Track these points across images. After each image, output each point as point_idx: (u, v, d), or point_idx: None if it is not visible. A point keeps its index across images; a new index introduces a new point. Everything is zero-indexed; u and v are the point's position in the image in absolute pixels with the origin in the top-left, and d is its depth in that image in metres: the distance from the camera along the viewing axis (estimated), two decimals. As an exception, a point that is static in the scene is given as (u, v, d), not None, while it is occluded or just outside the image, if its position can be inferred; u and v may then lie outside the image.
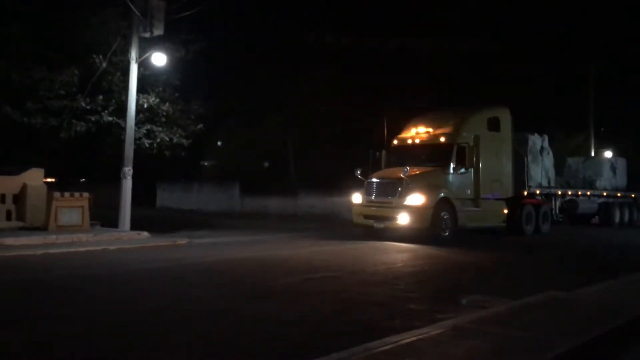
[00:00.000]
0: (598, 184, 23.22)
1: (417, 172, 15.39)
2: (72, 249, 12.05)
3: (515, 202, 17.67)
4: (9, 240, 12.25)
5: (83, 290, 7.61)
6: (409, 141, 16.95)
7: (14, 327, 5.65)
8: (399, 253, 13.02)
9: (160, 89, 18.31)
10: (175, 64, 18.37)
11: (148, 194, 34.30)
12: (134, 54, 15.61)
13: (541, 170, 19.65)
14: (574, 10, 33.22)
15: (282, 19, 29.65)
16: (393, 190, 15.05)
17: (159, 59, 16.37)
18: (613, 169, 24.31)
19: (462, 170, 15.70)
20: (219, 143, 35.73)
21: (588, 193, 22.27)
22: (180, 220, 21.86)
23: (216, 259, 11.12)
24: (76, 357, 4.85)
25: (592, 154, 29.74)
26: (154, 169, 25.57)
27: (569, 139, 32.09)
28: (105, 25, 17.25)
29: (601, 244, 16.95)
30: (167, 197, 34.76)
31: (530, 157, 19.04)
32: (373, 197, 15.60)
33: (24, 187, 14.41)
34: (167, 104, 18.11)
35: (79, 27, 17.08)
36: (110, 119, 16.90)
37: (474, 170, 16.04)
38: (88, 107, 16.68)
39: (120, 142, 16.04)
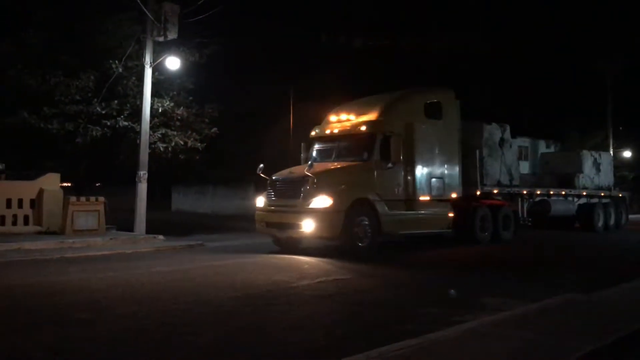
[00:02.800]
0: (577, 182, 20.01)
1: (328, 169, 12.90)
2: (89, 253, 12.13)
3: (464, 204, 14.88)
4: (27, 245, 12.36)
5: (99, 293, 7.64)
6: (328, 131, 14.16)
7: (32, 331, 5.68)
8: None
9: (175, 93, 18.45)
10: (189, 67, 18.48)
11: (163, 198, 34.56)
12: (148, 59, 15.70)
13: (500, 165, 16.78)
14: (590, 9, 32.90)
15: (292, 19, 29.60)
16: (296, 191, 12.34)
17: (173, 63, 16.48)
18: (596, 165, 20.98)
19: (389, 165, 12.90)
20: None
21: (563, 192, 19.29)
22: (195, 223, 21.93)
23: (228, 262, 11.12)
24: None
25: (611, 152, 29.02)
26: (169, 172, 25.70)
27: (586, 137, 31.79)
28: (120, 29, 17.43)
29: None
30: (182, 200, 34.94)
31: (485, 151, 16.24)
32: (275, 200, 12.92)
33: (41, 192, 14.55)
34: (182, 108, 18.25)
35: (94, 32, 17.27)
36: (125, 123, 17.04)
37: (406, 165, 13.32)
38: (103, 112, 16.85)
39: (135, 147, 16.14)
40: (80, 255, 11.77)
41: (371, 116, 13.62)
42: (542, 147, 20.95)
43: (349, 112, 14.30)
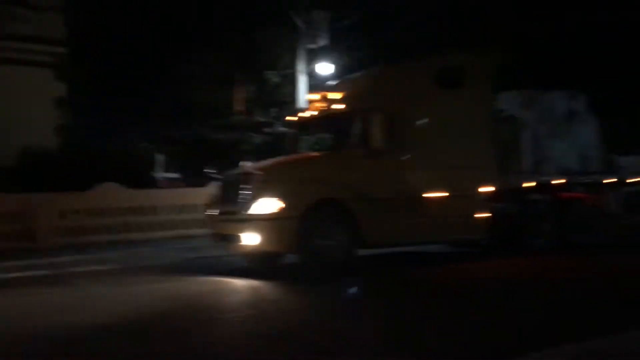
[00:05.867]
0: None
1: (279, 162, 10.11)
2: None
3: (507, 199, 10.90)
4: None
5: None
6: (306, 114, 10.97)
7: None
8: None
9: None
10: (341, 72, 18.91)
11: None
12: (301, 66, 16.31)
13: (567, 146, 12.31)
14: None
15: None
16: (237, 192, 9.32)
17: (324, 68, 16.94)
18: None
19: (376, 152, 9.39)
20: None
21: None
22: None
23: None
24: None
25: None
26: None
27: None
28: (279, 42, 18.39)
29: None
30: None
31: (542, 128, 11.98)
32: (220, 205, 9.96)
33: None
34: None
35: (258, 47, 18.47)
36: (283, 129, 17.96)
37: (406, 151, 9.73)
38: (263, 120, 17.95)
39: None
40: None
41: (354, 90, 10.46)
42: None
43: (337, 89, 10.91)
